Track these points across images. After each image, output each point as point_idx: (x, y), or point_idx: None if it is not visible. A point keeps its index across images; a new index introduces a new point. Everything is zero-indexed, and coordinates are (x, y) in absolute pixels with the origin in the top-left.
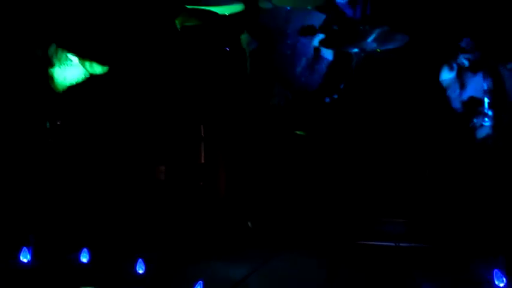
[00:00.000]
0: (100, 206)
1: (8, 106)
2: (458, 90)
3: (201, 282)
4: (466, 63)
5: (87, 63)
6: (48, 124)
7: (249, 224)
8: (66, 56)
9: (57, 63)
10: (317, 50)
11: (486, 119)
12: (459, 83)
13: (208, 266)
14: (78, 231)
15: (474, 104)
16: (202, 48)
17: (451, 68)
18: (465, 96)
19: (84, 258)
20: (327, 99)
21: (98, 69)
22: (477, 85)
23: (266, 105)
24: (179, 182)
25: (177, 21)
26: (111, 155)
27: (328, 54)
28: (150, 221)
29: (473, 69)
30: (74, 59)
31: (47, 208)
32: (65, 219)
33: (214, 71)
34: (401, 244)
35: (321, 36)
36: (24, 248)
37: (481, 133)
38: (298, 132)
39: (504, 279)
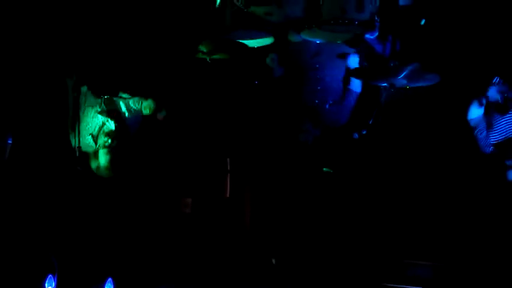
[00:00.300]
0: (126, 236)
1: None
2: (485, 131)
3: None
4: (499, 97)
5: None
6: (77, 152)
7: (273, 261)
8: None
9: None
10: (347, 82)
11: None
12: (486, 122)
13: None
14: (103, 260)
15: (503, 146)
16: (231, 80)
17: (480, 105)
18: (493, 136)
19: None
20: (356, 135)
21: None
22: (507, 125)
23: (294, 140)
24: (205, 215)
25: (203, 52)
26: (139, 185)
27: (356, 87)
28: (174, 254)
29: (503, 108)
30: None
31: (70, 234)
32: (90, 247)
33: (242, 103)
34: None
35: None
36: (50, 276)
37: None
38: (325, 170)
39: None
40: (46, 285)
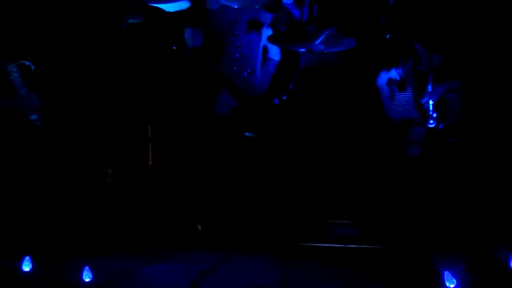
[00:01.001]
0: (42, 210)
1: None
2: (389, 100)
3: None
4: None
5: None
6: None
7: (199, 227)
8: None
9: None
10: (265, 51)
11: (431, 121)
12: (390, 91)
13: (155, 271)
14: (19, 237)
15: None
16: (149, 47)
17: (387, 72)
18: (393, 109)
19: (26, 267)
20: (276, 101)
21: None
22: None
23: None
24: (127, 184)
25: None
26: (55, 157)
27: (275, 54)
28: (95, 225)
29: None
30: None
31: None
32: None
33: (161, 70)
34: (351, 246)
35: (268, 33)
36: None
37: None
38: (247, 134)
39: (454, 280)
40: None
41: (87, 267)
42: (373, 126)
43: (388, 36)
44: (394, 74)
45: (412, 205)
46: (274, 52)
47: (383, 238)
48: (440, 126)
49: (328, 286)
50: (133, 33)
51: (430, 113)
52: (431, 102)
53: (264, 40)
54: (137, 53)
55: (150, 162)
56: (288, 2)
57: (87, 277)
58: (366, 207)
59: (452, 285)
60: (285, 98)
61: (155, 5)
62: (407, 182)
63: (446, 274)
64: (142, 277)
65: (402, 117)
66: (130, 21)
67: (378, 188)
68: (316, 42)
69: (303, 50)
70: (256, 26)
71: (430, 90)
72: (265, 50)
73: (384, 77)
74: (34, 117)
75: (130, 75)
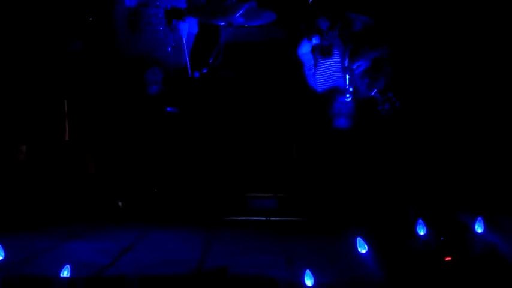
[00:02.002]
0: None
1: None
2: (313, 69)
3: (68, 266)
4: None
5: None
6: None
7: (119, 203)
8: None
9: None
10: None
11: (347, 95)
12: (314, 60)
13: (75, 248)
14: None
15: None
16: (70, 18)
17: (309, 41)
18: (319, 78)
19: None
20: (197, 74)
21: None
22: (328, 70)
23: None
24: (42, 162)
25: None
26: None
27: (193, 28)
28: (10, 203)
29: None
30: None
31: None
32: None
33: (79, 43)
34: (272, 218)
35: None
36: None
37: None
38: (169, 109)
39: (366, 246)
40: None
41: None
42: (298, 100)
43: (310, 1)
44: (317, 41)
45: (340, 178)
46: (193, 26)
47: (305, 210)
48: (373, 93)
49: (249, 259)
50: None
51: (358, 81)
52: (356, 69)
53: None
54: (53, 27)
55: (67, 138)
56: None
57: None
58: (288, 180)
59: (363, 251)
60: (205, 71)
61: None
62: (332, 155)
63: (359, 240)
64: (62, 255)
65: (328, 87)
66: None
67: (301, 161)
68: (236, 16)
69: (223, 23)
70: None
71: (359, 56)
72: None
73: (306, 46)
74: None
75: (44, 47)
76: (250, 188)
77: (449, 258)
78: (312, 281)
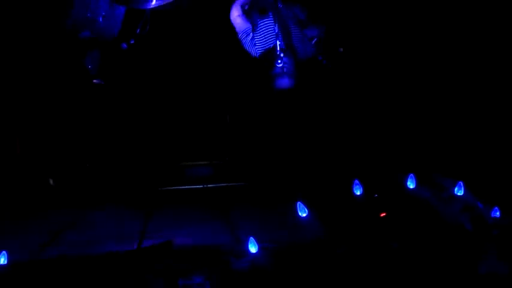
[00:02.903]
0: None
1: None
2: (251, 33)
3: (4, 252)
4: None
5: None
6: None
7: (51, 181)
8: None
9: None
10: None
11: (279, 61)
12: (251, 23)
13: (7, 232)
14: None
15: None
16: None
17: (241, 5)
18: (258, 41)
19: None
20: (124, 46)
21: None
22: (267, 29)
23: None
24: None
25: None
26: None
27: None
28: None
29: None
30: None
31: None
32: None
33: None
34: (209, 185)
35: None
36: None
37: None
38: (96, 81)
39: (306, 210)
40: None
41: None
42: (232, 64)
43: None
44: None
45: (278, 142)
46: None
47: (242, 176)
48: (313, 42)
49: (192, 229)
50: None
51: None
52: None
53: None
54: None
55: None
56: None
57: None
58: (223, 146)
59: (304, 214)
60: (132, 42)
61: None
62: (269, 119)
63: (299, 204)
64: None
65: (266, 48)
66: None
67: (237, 126)
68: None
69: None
70: None
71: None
72: None
73: (237, 9)
74: None
75: None
76: (186, 157)
77: (384, 214)
78: (256, 247)
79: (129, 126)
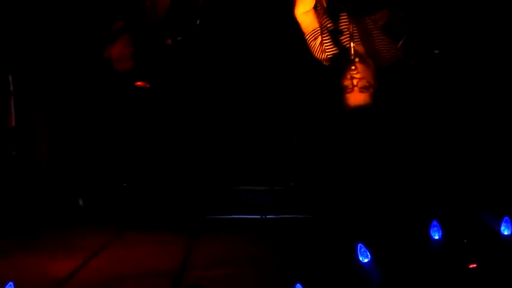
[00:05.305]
0: None
1: None
2: (319, 36)
3: (11, 283)
4: None
5: None
6: None
7: (80, 201)
8: None
9: None
10: None
11: (353, 68)
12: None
13: (25, 258)
14: None
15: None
16: None
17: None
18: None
19: None
20: (169, 42)
21: None
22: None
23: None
24: None
25: None
26: None
27: None
28: None
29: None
30: None
31: None
32: None
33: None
34: (268, 216)
35: None
36: None
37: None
38: (139, 85)
39: (368, 254)
40: None
41: None
42: (303, 67)
43: None
44: None
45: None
46: None
47: (306, 205)
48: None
49: (234, 269)
50: None
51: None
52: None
53: None
54: None
55: (13, 124)
56: None
57: None
58: (288, 169)
59: (366, 260)
60: (179, 38)
61: None
62: (338, 140)
63: (360, 247)
64: (14, 267)
65: (337, 54)
66: None
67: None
68: None
69: None
70: None
71: None
72: None
73: (304, 4)
74: None
75: None
76: (241, 180)
77: (475, 265)
78: None
79: (176, 140)
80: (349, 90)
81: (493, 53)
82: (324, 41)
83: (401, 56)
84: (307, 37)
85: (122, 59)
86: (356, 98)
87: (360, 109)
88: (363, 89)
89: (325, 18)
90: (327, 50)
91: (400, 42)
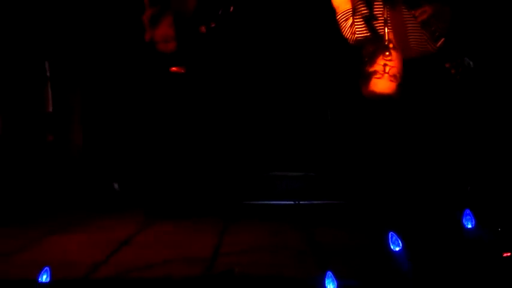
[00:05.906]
0: None
1: None
2: (351, 18)
3: (47, 269)
4: None
5: None
6: None
7: (115, 186)
8: None
9: None
10: None
11: (387, 53)
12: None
13: (62, 242)
14: None
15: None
16: None
17: None
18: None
19: None
20: (203, 29)
21: None
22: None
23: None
24: (20, 136)
25: None
26: None
27: None
28: None
29: None
30: None
31: None
32: None
33: None
34: (301, 202)
35: None
36: None
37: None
38: (174, 69)
39: (400, 242)
40: None
41: None
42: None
43: None
44: None
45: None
46: None
47: (339, 190)
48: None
49: (268, 255)
50: None
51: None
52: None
53: None
54: None
55: (50, 109)
56: None
57: None
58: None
59: (397, 248)
60: (213, 25)
61: None
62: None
63: (392, 235)
64: (42, 253)
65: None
66: None
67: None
68: None
69: None
70: None
71: None
72: None
73: None
74: None
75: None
76: (275, 166)
77: (509, 254)
78: (335, 284)
79: (211, 125)
80: (379, 76)
81: None
82: (356, 23)
83: (433, 52)
84: (338, 16)
85: (166, 41)
86: (384, 85)
87: (383, 97)
88: (392, 77)
89: (359, 1)
90: (357, 32)
91: (439, 42)
